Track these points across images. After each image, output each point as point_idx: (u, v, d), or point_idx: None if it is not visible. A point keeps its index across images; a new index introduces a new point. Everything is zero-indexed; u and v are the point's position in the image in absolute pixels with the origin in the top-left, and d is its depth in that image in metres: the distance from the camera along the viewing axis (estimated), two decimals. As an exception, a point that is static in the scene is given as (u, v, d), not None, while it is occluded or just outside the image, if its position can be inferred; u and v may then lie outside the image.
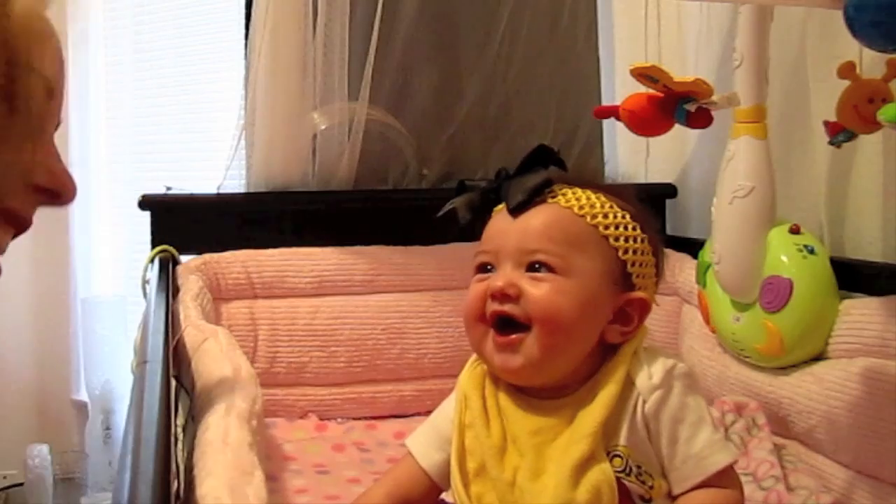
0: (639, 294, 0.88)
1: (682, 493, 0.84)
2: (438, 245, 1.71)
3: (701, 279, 1.42)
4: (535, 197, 0.87)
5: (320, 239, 1.68)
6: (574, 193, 0.88)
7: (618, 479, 0.82)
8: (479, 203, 0.91)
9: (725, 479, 0.85)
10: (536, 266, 0.85)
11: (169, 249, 1.59)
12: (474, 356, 0.92)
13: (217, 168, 1.72)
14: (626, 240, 0.87)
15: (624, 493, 0.82)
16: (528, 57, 1.91)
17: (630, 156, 1.84)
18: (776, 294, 1.24)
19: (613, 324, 0.87)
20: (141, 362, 0.96)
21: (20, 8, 0.62)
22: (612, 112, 1.18)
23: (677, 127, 1.14)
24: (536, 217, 0.87)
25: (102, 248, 2.43)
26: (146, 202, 1.65)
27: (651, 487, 0.83)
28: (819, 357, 1.23)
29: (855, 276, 1.24)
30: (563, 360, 0.86)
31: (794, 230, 1.27)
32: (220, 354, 1.03)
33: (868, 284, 1.22)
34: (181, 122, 2.33)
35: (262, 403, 0.91)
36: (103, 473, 2.27)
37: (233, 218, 1.71)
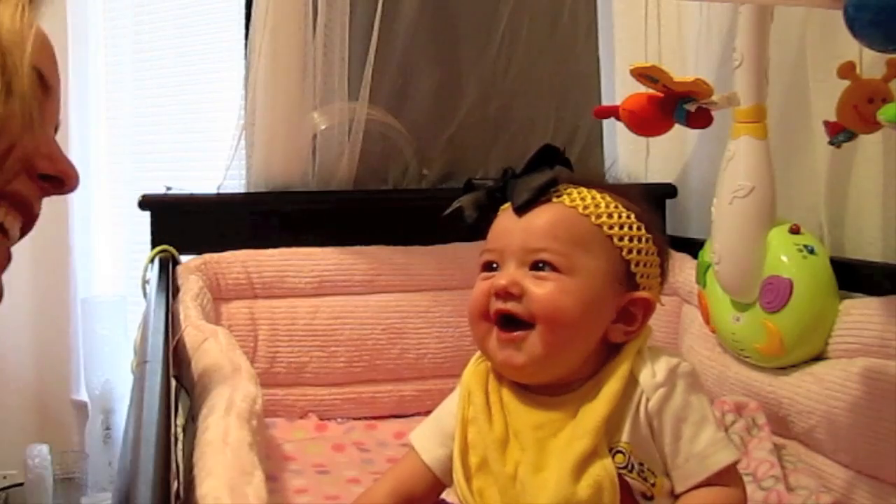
0: (642, 294, 0.88)
1: (685, 492, 0.84)
2: (438, 245, 1.71)
3: (701, 279, 1.42)
4: (541, 196, 0.88)
5: (320, 239, 1.68)
6: (579, 193, 0.88)
7: (619, 475, 0.82)
8: (485, 202, 0.92)
9: (728, 477, 0.85)
10: (540, 265, 0.85)
11: (169, 249, 1.59)
12: (478, 353, 0.93)
13: (217, 168, 1.72)
14: (631, 239, 0.87)
15: (625, 490, 0.82)
16: (528, 57, 1.91)
17: (630, 156, 1.83)
18: (776, 294, 1.24)
19: (617, 323, 0.87)
20: (141, 362, 0.96)
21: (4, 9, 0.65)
22: (612, 112, 1.18)
23: (677, 127, 1.14)
24: (541, 216, 0.87)
25: (102, 248, 2.43)
26: (146, 202, 1.65)
27: (653, 485, 0.83)
28: (819, 357, 1.23)
29: (855, 276, 1.24)
30: (566, 357, 0.86)
31: (794, 230, 1.27)
32: (220, 354, 1.03)
33: (868, 284, 1.22)
34: (181, 122, 2.33)
35: (262, 403, 0.90)
36: (103, 473, 2.27)
37: (233, 218, 1.71)
